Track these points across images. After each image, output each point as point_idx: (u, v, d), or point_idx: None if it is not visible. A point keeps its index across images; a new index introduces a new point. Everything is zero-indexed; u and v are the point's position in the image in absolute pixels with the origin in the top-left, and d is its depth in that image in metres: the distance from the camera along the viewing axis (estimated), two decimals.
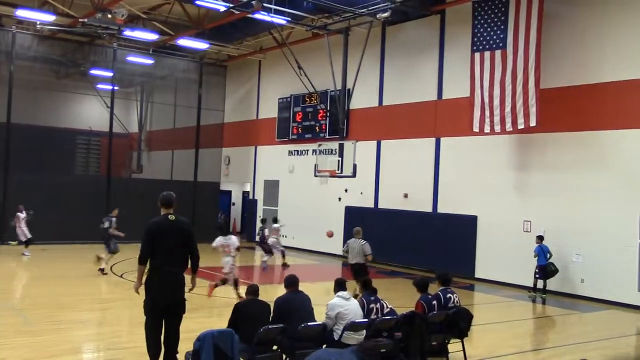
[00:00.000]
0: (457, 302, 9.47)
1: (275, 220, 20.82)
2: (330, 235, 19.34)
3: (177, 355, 7.71)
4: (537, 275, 16.41)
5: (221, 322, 7.61)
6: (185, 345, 7.59)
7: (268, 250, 20.19)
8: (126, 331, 10.81)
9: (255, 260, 22.46)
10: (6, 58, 23.66)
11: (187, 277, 7.84)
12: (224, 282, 13.78)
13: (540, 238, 16.52)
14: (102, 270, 16.67)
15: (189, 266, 7.84)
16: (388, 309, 8.83)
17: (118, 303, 13.22)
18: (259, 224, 28.03)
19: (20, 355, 8.61)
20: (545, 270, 16.18)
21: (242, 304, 7.83)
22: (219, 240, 13.66)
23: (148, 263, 7.64)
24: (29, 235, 20.34)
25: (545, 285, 16.38)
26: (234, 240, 13.74)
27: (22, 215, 20.48)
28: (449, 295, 9.42)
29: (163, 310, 7.66)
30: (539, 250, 16.33)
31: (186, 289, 7.79)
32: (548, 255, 16.26)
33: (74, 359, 8.88)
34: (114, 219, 17.36)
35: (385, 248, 21.46)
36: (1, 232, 22.82)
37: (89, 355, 9.41)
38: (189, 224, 7.98)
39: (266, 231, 20.55)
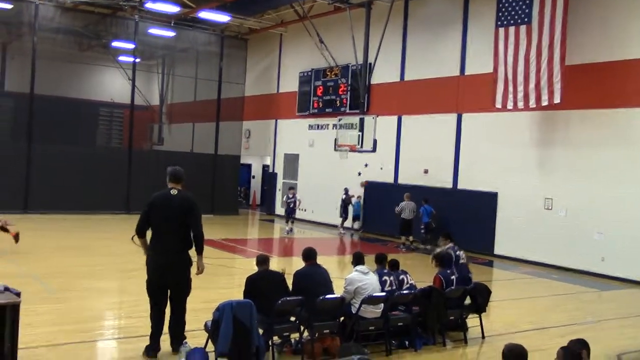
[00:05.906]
0: (463, 257, 10.88)
1: None
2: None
3: (186, 339, 7.54)
4: (422, 231, 19.83)
5: (241, 294, 7.67)
6: (205, 315, 7.69)
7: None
8: (146, 300, 10.90)
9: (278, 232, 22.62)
10: (29, 30, 23.75)
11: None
12: None
13: (425, 200, 19.85)
14: None
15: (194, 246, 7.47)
16: (408, 285, 8.92)
17: (138, 272, 13.25)
18: (279, 197, 28.26)
19: (45, 321, 8.80)
20: (427, 227, 19.72)
21: (255, 277, 7.79)
22: None
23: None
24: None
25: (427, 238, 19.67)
26: None
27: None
28: (457, 252, 10.69)
29: (161, 290, 7.47)
30: (424, 210, 19.81)
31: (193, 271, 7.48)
32: (431, 214, 19.71)
33: (97, 326, 9.06)
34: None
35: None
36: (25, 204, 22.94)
37: (110, 322, 9.59)
38: (190, 199, 7.47)
39: None
